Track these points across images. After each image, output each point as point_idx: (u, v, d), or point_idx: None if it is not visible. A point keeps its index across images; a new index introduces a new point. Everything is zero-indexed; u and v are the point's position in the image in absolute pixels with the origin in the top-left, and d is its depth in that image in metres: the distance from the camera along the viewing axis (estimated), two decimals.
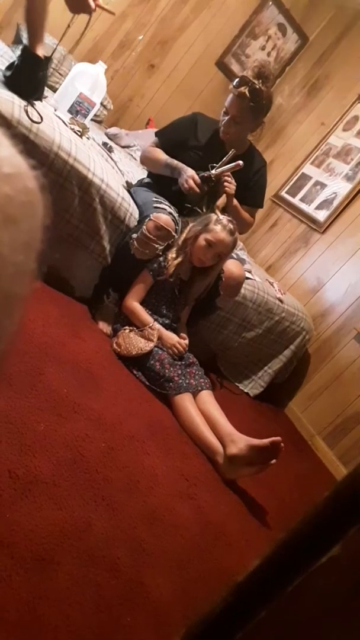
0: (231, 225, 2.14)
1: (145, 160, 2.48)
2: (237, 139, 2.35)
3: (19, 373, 1.50)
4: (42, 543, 1.07)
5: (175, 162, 2.30)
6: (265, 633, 0.34)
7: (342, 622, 0.34)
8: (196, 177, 2.21)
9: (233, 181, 2.25)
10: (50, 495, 1.20)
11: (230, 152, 2.20)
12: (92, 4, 1.81)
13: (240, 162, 2.18)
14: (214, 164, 2.24)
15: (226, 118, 2.29)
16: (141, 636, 1.06)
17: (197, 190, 2.20)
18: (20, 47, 2.03)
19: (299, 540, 0.34)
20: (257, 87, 2.20)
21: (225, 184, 2.23)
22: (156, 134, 2.49)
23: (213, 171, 2.22)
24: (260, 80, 2.21)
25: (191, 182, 2.20)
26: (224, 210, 2.26)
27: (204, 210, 2.25)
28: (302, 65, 3.95)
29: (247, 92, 2.19)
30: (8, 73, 1.95)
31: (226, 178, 2.23)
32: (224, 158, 2.22)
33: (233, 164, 2.19)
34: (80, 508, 1.23)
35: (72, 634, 0.96)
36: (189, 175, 2.21)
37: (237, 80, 2.24)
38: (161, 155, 2.36)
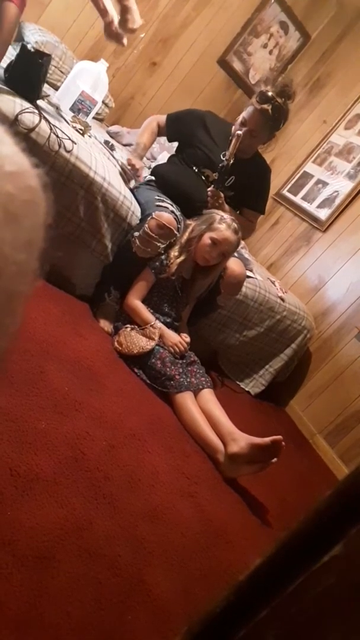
0: (235, 224, 2.14)
1: (143, 125, 2.56)
2: (249, 149, 2.39)
3: (20, 371, 1.50)
4: (43, 541, 1.07)
5: (139, 150, 2.40)
6: (266, 632, 0.34)
7: (343, 622, 0.34)
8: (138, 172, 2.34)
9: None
10: (51, 493, 1.20)
11: (234, 139, 2.25)
12: (125, 41, 1.83)
13: (239, 132, 2.24)
14: (225, 152, 2.30)
15: (243, 129, 2.30)
16: (142, 633, 1.06)
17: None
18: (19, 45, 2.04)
19: (300, 540, 0.34)
20: (280, 106, 2.25)
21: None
22: (168, 117, 2.53)
23: (225, 158, 2.27)
24: (283, 99, 2.26)
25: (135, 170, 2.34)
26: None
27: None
28: (304, 64, 3.93)
29: (270, 110, 2.24)
30: (5, 72, 1.95)
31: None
32: (230, 147, 2.26)
33: (234, 138, 2.24)
34: (81, 506, 1.24)
35: (73, 632, 0.96)
36: (134, 166, 2.33)
37: (261, 95, 2.26)
38: (142, 134, 2.46)
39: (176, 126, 2.47)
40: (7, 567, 0.97)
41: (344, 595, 0.33)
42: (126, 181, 2.29)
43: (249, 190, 2.44)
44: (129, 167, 2.34)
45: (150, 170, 2.58)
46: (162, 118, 2.52)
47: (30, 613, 0.93)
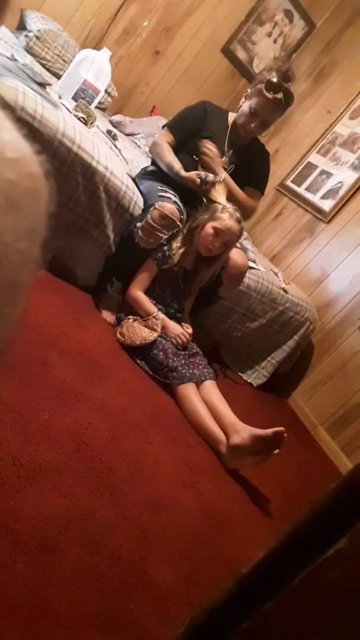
0: (238, 214, 2.13)
1: (153, 153, 2.46)
2: (253, 135, 2.39)
3: (22, 362, 1.50)
4: (45, 530, 1.08)
5: (176, 168, 2.26)
6: (270, 625, 0.34)
7: (348, 616, 0.34)
8: (197, 181, 2.20)
9: (212, 147, 2.27)
10: (54, 483, 1.20)
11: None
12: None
13: (252, 124, 2.26)
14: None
15: (254, 121, 2.29)
16: (144, 622, 1.07)
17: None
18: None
19: (305, 532, 0.34)
20: (288, 90, 2.24)
21: (204, 149, 2.25)
22: (167, 126, 2.43)
23: (207, 178, 2.20)
24: (290, 84, 2.26)
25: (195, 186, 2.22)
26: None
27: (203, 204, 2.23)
28: (309, 53, 3.89)
29: (282, 99, 2.24)
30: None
31: (205, 146, 2.26)
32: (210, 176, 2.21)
33: (217, 177, 2.21)
34: (83, 496, 1.24)
35: (76, 620, 0.97)
36: (193, 180, 2.21)
37: (270, 84, 2.23)
38: (167, 156, 2.32)
39: (181, 132, 2.38)
40: (10, 557, 0.98)
41: (349, 589, 0.33)
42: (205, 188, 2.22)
43: (249, 174, 2.43)
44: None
45: (151, 160, 2.55)
46: (164, 135, 2.40)
47: (34, 602, 0.94)
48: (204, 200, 2.21)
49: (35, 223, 0.31)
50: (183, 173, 2.24)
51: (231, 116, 2.43)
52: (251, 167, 2.43)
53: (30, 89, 1.94)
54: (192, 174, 2.22)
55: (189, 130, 2.37)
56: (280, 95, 2.23)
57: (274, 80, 2.22)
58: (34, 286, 0.37)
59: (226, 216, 2.11)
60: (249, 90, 2.36)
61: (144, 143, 3.16)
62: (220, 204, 2.16)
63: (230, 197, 2.31)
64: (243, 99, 2.36)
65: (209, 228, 2.11)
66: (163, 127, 2.47)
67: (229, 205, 2.16)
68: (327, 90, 3.71)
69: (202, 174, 2.20)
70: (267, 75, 2.27)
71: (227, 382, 2.59)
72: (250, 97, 2.31)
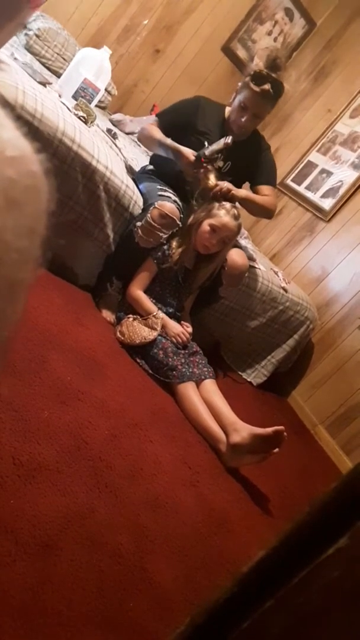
0: (235, 210, 2.13)
1: (142, 138, 2.45)
2: (249, 130, 2.35)
3: (23, 360, 1.50)
4: (45, 529, 1.08)
5: (169, 141, 2.23)
6: (270, 624, 0.34)
7: (348, 615, 0.34)
8: (192, 157, 2.15)
9: (224, 184, 2.16)
10: (54, 482, 1.20)
11: (224, 140, 2.12)
12: None
13: (230, 137, 2.11)
14: (206, 144, 2.18)
15: (245, 115, 2.25)
16: (144, 621, 1.07)
17: (194, 169, 2.16)
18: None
19: (305, 531, 0.34)
20: (276, 80, 2.17)
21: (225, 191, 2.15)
22: (157, 115, 2.45)
23: (205, 151, 2.14)
24: (279, 72, 2.19)
25: (189, 164, 2.16)
26: (227, 199, 2.21)
27: (195, 200, 2.20)
28: (309, 51, 3.89)
29: (270, 90, 2.17)
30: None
31: (221, 187, 2.15)
32: (215, 145, 2.14)
33: (222, 141, 2.11)
34: (83, 494, 1.24)
35: (75, 619, 0.97)
36: (187, 156, 2.16)
37: (256, 76, 2.17)
38: (157, 134, 2.30)
39: (170, 120, 2.37)
40: (10, 555, 0.98)
41: (349, 589, 0.33)
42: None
43: (250, 170, 2.39)
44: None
45: (150, 159, 2.54)
46: (152, 123, 2.39)
47: (33, 600, 0.94)
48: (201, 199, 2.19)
49: (35, 221, 0.31)
50: (177, 145, 2.18)
51: (228, 110, 2.39)
52: (250, 164, 2.41)
53: (30, 87, 1.94)
54: (188, 151, 2.15)
55: (178, 121, 2.34)
56: (267, 87, 2.16)
57: (260, 71, 2.16)
58: (34, 285, 0.37)
59: (222, 213, 2.11)
60: (239, 84, 2.31)
61: (138, 134, 3.14)
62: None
63: (252, 206, 2.29)
64: (234, 94, 2.32)
65: (205, 225, 2.11)
66: (157, 115, 2.47)
67: (226, 202, 2.14)
68: (327, 88, 3.70)
69: (200, 152, 2.13)
70: (254, 67, 2.21)
71: (227, 381, 2.59)
72: (240, 91, 2.26)
